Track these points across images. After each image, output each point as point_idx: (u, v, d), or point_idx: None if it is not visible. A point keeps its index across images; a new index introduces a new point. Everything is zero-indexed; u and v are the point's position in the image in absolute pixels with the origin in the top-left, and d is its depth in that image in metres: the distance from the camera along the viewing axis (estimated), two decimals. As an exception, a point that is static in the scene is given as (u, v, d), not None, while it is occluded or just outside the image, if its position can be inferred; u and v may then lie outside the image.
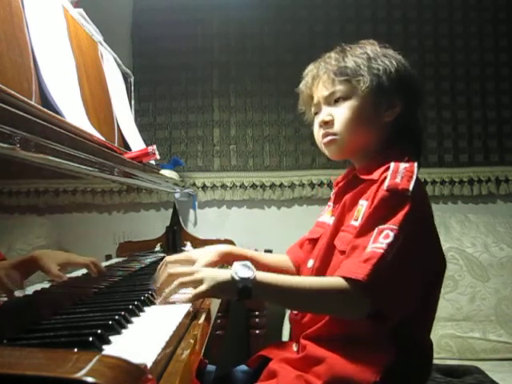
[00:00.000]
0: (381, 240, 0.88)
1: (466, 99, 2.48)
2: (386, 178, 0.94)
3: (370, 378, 0.91)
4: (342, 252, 0.97)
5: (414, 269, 0.92)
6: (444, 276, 1.04)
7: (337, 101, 1.04)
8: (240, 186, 2.46)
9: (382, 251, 0.87)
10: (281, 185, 2.46)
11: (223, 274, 0.90)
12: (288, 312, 1.15)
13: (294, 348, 1.07)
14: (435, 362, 1.82)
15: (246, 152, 2.48)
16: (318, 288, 0.90)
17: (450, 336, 2.02)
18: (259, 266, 1.08)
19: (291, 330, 1.14)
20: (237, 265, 0.91)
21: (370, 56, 1.03)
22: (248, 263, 0.91)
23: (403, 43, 2.44)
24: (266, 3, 2.48)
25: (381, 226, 0.89)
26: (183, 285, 0.90)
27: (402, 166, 0.95)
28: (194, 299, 0.89)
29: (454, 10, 2.50)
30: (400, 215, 0.89)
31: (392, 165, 0.95)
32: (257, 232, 2.40)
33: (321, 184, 2.44)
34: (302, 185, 2.46)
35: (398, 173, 0.93)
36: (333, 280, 0.90)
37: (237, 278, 0.88)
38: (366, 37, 1.12)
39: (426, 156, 2.46)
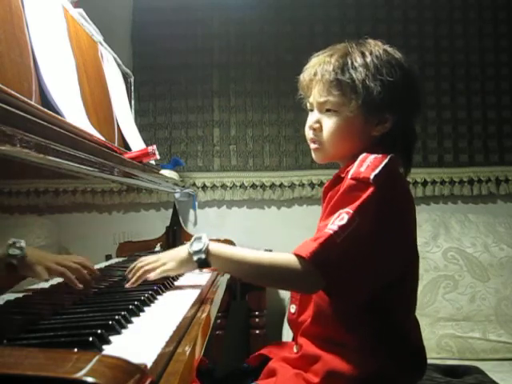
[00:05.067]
0: (335, 222, 0.91)
1: (466, 99, 2.48)
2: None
3: (361, 373, 0.95)
4: None
5: (375, 254, 0.93)
6: (418, 270, 1.05)
7: (328, 110, 1.03)
8: (240, 186, 2.46)
9: (331, 232, 0.90)
10: (281, 185, 2.46)
11: (181, 253, 1.01)
12: (287, 313, 1.16)
13: (295, 349, 1.08)
14: (435, 362, 1.84)
15: (246, 152, 2.47)
16: (269, 261, 0.96)
17: (450, 336, 2.02)
18: None
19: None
20: (192, 239, 1.00)
21: (369, 70, 0.99)
22: (202, 235, 0.99)
23: (403, 43, 2.43)
24: (266, 3, 2.48)
25: (341, 211, 0.92)
26: (147, 272, 1.01)
27: (372, 156, 0.96)
28: (158, 275, 1.01)
29: (453, 10, 2.50)
30: (358, 201, 0.91)
31: (361, 156, 0.97)
32: (257, 232, 2.40)
33: (321, 184, 2.44)
34: (302, 185, 2.46)
35: (365, 162, 0.95)
36: (284, 255, 0.95)
37: (191, 252, 0.98)
38: (366, 37, 1.09)
39: (426, 156, 2.46)
